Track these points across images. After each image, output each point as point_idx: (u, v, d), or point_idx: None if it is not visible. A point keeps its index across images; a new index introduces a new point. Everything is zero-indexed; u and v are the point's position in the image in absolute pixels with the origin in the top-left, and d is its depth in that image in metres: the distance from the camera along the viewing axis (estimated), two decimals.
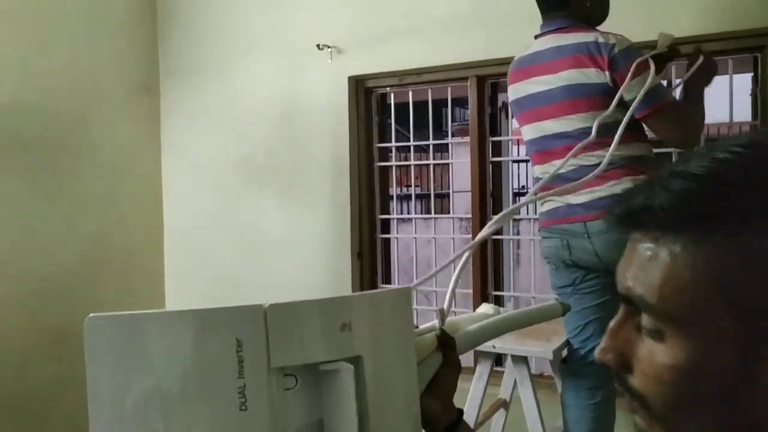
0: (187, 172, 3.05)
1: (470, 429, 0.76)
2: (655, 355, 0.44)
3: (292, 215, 2.80)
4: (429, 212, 2.75)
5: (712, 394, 0.42)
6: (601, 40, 1.67)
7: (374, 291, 0.73)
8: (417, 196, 2.80)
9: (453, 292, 0.83)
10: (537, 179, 1.90)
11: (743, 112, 2.26)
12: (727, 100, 2.21)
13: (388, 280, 2.82)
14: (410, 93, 2.69)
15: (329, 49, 2.63)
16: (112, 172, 2.90)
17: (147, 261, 3.08)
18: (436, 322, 0.79)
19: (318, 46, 2.62)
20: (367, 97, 2.72)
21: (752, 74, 2.25)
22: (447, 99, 2.68)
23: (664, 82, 2.10)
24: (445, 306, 0.80)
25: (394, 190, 2.82)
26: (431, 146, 2.76)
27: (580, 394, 1.83)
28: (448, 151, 3.09)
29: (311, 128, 2.74)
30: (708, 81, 1.82)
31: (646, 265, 0.45)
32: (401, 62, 2.55)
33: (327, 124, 2.70)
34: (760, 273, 0.41)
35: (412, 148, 2.75)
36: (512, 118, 2.57)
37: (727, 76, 2.20)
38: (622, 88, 1.62)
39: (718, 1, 2.06)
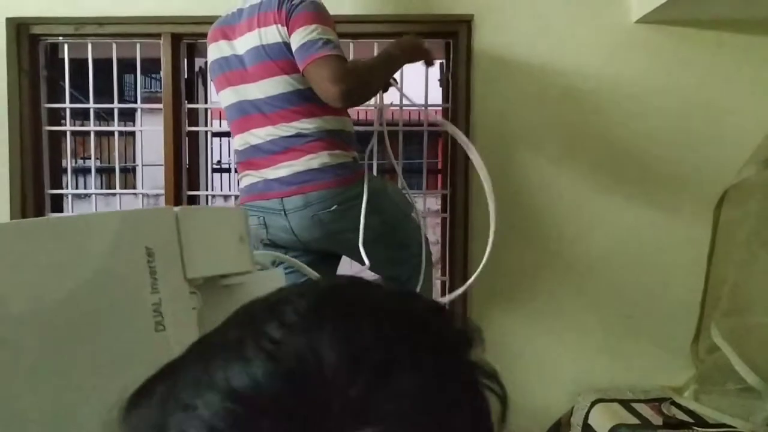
0: None
1: None
2: None
3: None
4: (112, 188, 2.45)
5: None
6: None
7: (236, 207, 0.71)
8: (97, 170, 2.45)
9: None
10: (237, 152, 1.80)
11: (435, 98, 2.45)
12: (422, 84, 2.36)
13: None
14: (89, 47, 2.35)
15: None
16: None
17: None
18: None
19: None
20: (33, 46, 2.31)
21: (442, 61, 2.45)
22: (135, 60, 2.39)
23: None
24: None
25: (68, 162, 2.46)
26: (116, 113, 2.46)
27: None
28: (133, 122, 2.80)
29: None
30: (411, 61, 1.87)
31: None
32: (79, 8, 2.22)
33: None
34: None
35: (92, 111, 2.40)
36: (210, 85, 2.43)
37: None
38: (291, 43, 1.59)
39: None
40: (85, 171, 2.89)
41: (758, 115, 2.13)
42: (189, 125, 2.38)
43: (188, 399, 0.33)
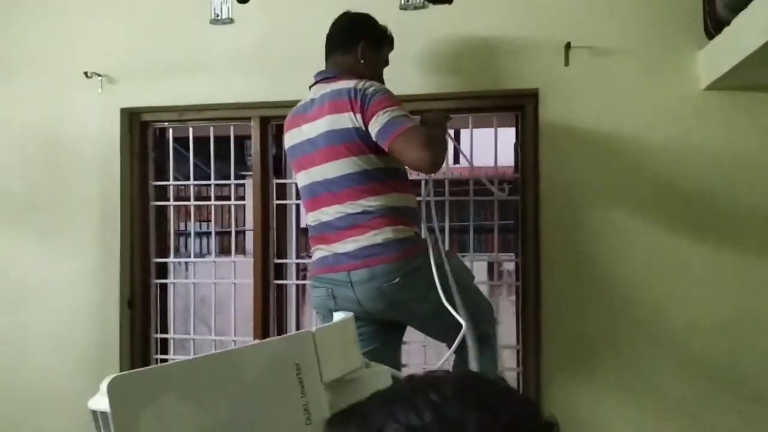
0: None
1: None
2: None
3: (52, 258, 2.60)
4: (222, 251, 2.72)
5: None
6: (358, 86, 1.79)
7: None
8: (201, 234, 2.72)
9: None
10: (310, 227, 1.97)
11: (510, 160, 2.55)
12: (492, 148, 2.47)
13: (164, 329, 2.71)
14: (191, 129, 2.65)
15: (99, 78, 2.52)
16: None
17: None
18: None
19: (86, 73, 2.49)
20: (143, 132, 2.64)
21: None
22: (239, 135, 2.66)
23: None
24: None
25: (170, 233, 2.73)
26: (212, 188, 2.74)
27: None
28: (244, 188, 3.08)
29: (78, 162, 2.59)
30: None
31: None
32: (181, 97, 2.52)
33: (96, 158, 2.57)
34: None
35: (192, 188, 2.70)
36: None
37: (492, 129, 2.47)
38: (369, 127, 1.75)
39: (487, 64, 2.30)
40: (198, 235, 3.19)
41: None
42: (278, 198, 2.60)
43: (378, 425, 0.53)
